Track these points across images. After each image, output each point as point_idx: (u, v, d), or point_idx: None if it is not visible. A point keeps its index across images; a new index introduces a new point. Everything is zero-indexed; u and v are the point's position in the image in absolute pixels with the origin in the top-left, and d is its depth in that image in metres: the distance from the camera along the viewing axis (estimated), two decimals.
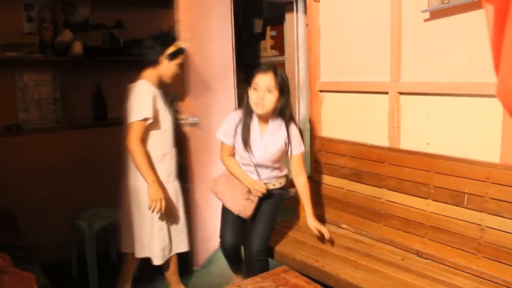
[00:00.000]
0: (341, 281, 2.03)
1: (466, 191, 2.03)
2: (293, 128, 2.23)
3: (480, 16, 1.96)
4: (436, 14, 2.17)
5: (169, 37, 2.51)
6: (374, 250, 2.32)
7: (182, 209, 2.57)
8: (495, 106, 1.92)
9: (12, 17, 3.05)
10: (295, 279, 1.84)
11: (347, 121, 2.70)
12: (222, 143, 2.34)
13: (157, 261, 2.47)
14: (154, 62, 2.45)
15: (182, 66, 2.59)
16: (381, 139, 2.51)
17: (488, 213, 1.95)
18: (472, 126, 2.09)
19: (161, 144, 2.46)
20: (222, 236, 2.37)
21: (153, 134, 2.42)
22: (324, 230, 2.33)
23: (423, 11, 2.17)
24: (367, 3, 2.52)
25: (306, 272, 2.16)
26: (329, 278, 2.09)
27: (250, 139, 2.23)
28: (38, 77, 3.20)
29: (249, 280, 1.86)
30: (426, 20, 2.22)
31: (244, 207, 2.27)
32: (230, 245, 2.34)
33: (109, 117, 3.47)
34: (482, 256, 1.96)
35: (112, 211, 3.03)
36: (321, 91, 2.88)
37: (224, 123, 2.33)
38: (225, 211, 2.38)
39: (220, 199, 2.39)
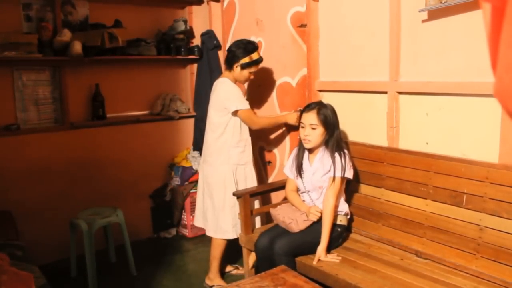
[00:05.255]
0: (340, 281, 2.03)
1: (465, 191, 2.03)
2: (336, 155, 2.34)
3: (478, 16, 1.95)
4: (434, 13, 2.17)
5: (247, 48, 2.77)
6: (373, 250, 2.31)
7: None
8: (494, 106, 1.92)
9: (11, 16, 3.04)
10: (293, 278, 1.83)
11: (346, 120, 2.69)
12: (288, 177, 2.57)
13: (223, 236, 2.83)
14: (229, 68, 2.81)
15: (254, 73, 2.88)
16: (380, 139, 2.51)
17: (487, 213, 1.94)
18: (471, 126, 2.08)
19: (238, 132, 2.80)
20: (257, 239, 2.38)
21: (232, 122, 2.77)
22: (328, 259, 2.23)
23: (421, 11, 2.17)
24: (366, 3, 2.51)
25: (304, 272, 2.16)
26: (328, 278, 2.09)
27: (302, 166, 2.46)
28: (37, 76, 3.19)
29: (248, 280, 1.86)
30: (424, 19, 2.22)
31: (298, 221, 2.33)
32: (262, 246, 2.32)
33: (108, 117, 3.46)
34: (481, 256, 1.96)
35: (111, 211, 3.03)
36: (320, 90, 2.88)
37: (289, 159, 2.60)
38: (272, 227, 2.49)
39: (275, 218, 2.49)
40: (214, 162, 2.81)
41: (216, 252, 2.85)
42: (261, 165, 3.37)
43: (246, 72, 2.78)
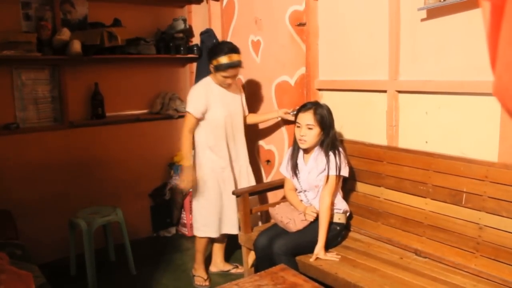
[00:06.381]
0: (339, 280, 2.03)
1: (465, 190, 2.03)
2: (331, 154, 2.33)
3: (477, 14, 1.95)
4: (433, 12, 2.16)
5: (219, 50, 2.63)
6: (372, 249, 2.31)
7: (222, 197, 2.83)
8: (493, 105, 1.92)
9: (10, 15, 3.04)
10: (293, 277, 1.83)
11: (345, 119, 2.70)
12: (285, 177, 2.57)
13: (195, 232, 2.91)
14: (208, 68, 2.74)
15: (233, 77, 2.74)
16: (379, 138, 2.51)
17: (487, 212, 1.94)
18: (471, 125, 2.08)
19: (211, 136, 2.74)
20: (256, 238, 2.39)
21: (203, 126, 2.73)
22: (327, 258, 2.23)
23: (419, 9, 2.17)
24: (366, 1, 2.51)
25: (304, 270, 2.16)
26: (327, 277, 2.09)
27: (297, 166, 2.45)
28: (36, 75, 3.19)
29: (247, 279, 1.86)
30: (423, 18, 2.22)
31: (295, 220, 2.34)
32: (261, 246, 2.33)
33: (107, 116, 3.46)
34: (481, 255, 1.96)
35: (110, 210, 3.03)
36: (319, 89, 2.88)
37: (284, 159, 2.60)
38: (271, 226, 2.51)
39: (273, 217, 2.50)
40: (196, 161, 2.83)
41: (198, 245, 2.94)
42: (260, 164, 3.37)
43: (219, 75, 2.65)
